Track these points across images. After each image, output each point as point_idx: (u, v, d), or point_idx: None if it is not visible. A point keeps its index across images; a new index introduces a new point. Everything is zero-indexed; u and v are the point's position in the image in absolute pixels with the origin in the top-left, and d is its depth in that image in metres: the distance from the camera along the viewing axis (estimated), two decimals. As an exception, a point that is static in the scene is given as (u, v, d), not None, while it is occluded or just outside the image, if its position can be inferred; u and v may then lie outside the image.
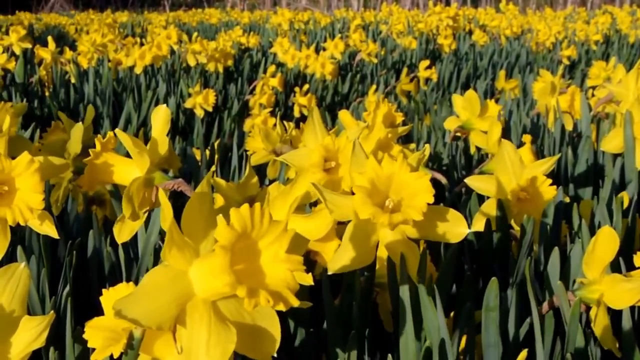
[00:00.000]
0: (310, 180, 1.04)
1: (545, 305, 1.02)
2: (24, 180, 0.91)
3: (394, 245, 0.92)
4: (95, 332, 0.80)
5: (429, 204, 0.87)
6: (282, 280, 0.61)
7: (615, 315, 1.05)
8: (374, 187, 0.90)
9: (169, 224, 0.61)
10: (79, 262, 1.20)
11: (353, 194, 0.88)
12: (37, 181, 0.91)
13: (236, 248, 0.59)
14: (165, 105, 1.06)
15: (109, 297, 0.81)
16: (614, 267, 1.04)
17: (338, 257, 0.89)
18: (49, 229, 0.96)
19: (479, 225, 1.25)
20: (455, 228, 0.93)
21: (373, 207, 0.87)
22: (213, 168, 1.04)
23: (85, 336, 0.80)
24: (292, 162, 1.10)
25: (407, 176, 0.89)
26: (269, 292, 0.59)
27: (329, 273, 0.88)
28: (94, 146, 1.02)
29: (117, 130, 1.01)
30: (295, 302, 0.60)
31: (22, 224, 0.91)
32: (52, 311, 0.68)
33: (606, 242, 0.97)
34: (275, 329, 0.64)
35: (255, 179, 1.11)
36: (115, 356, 0.78)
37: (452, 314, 1.10)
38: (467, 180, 1.26)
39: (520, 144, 2.11)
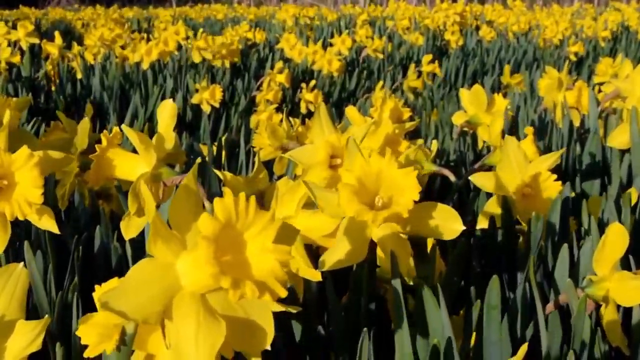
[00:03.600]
0: (317, 177, 1.04)
1: (553, 303, 1.02)
2: (23, 175, 0.90)
3: (383, 242, 0.92)
4: (88, 328, 0.79)
5: (418, 201, 0.87)
6: (269, 270, 0.59)
7: (625, 312, 1.04)
8: (362, 184, 0.90)
9: (153, 216, 0.60)
10: (86, 257, 1.20)
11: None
12: (36, 175, 0.90)
13: (222, 239, 0.58)
14: (171, 99, 1.06)
15: (102, 292, 0.80)
16: (624, 264, 1.04)
17: (332, 252, 0.89)
18: (49, 224, 0.96)
19: (484, 223, 1.25)
20: (448, 224, 0.92)
21: (358, 205, 0.87)
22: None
23: (78, 333, 0.79)
24: (298, 159, 1.09)
25: (395, 173, 0.89)
26: (254, 282, 0.57)
27: (324, 269, 0.88)
28: (95, 142, 1.02)
29: (123, 126, 1.01)
30: (283, 293, 0.58)
31: (20, 218, 0.91)
32: (47, 315, 0.67)
33: (616, 238, 0.96)
34: (267, 323, 0.63)
35: (264, 173, 1.10)
36: (108, 353, 0.78)
37: (461, 312, 1.09)
38: (471, 178, 1.26)
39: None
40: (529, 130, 1.62)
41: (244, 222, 0.60)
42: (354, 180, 0.89)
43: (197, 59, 3.95)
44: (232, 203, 0.59)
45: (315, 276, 0.90)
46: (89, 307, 0.99)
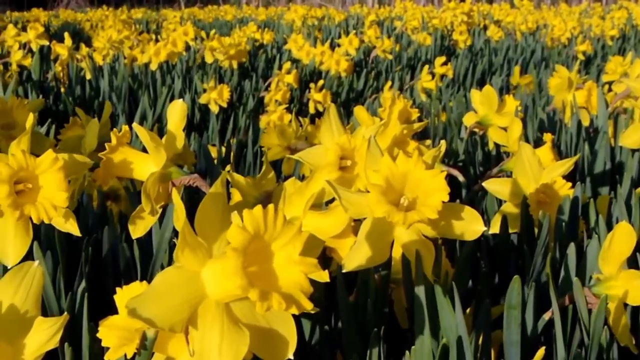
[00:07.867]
0: (326, 178, 1.03)
1: (562, 302, 1.02)
2: (48, 178, 0.90)
3: (409, 244, 0.91)
4: (109, 331, 0.80)
5: (444, 202, 0.87)
6: (296, 283, 0.60)
7: (632, 312, 1.04)
8: (389, 185, 0.89)
9: (182, 224, 0.60)
10: (94, 258, 1.20)
11: (368, 192, 0.88)
12: (62, 179, 0.90)
13: (249, 250, 0.59)
14: (181, 99, 1.06)
15: (123, 296, 0.81)
16: (631, 263, 1.03)
17: (353, 256, 0.88)
18: (72, 227, 0.96)
19: (496, 227, 1.25)
20: (471, 225, 0.92)
21: (388, 206, 0.86)
22: (228, 167, 1.04)
23: (99, 335, 0.79)
24: (307, 160, 1.09)
25: (423, 174, 0.89)
26: (281, 295, 0.58)
27: (344, 271, 0.88)
28: (109, 141, 1.02)
29: (134, 124, 1.01)
30: (309, 306, 0.59)
31: (46, 221, 0.90)
32: (65, 312, 0.68)
33: (623, 237, 0.96)
34: (290, 332, 0.64)
35: (272, 174, 1.10)
36: (129, 356, 0.78)
37: (468, 310, 1.09)
38: (484, 184, 1.26)
39: (536, 139, 2.10)
40: (548, 137, 1.62)
41: (272, 233, 0.60)
42: (382, 181, 0.88)
43: (209, 59, 3.96)
44: (261, 214, 0.59)
45: (323, 277, 0.90)
46: (97, 308, 1.00)
